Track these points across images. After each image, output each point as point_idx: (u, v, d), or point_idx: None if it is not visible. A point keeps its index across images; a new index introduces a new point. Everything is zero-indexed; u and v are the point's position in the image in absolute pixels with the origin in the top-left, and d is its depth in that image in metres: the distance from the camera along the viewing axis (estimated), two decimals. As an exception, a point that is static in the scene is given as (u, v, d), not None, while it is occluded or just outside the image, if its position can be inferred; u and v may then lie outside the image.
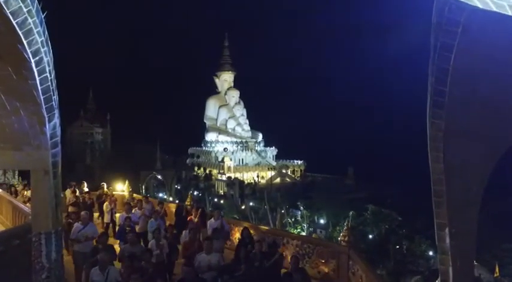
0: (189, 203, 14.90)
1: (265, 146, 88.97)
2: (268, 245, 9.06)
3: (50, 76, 6.12)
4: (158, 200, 16.04)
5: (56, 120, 6.73)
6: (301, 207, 41.41)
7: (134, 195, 16.62)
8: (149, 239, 10.08)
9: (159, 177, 58.50)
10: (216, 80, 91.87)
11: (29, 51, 5.41)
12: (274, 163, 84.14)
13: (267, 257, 8.28)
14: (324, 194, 45.47)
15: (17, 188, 18.29)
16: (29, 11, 5.03)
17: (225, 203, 50.52)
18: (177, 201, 28.03)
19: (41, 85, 6.00)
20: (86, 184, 16.82)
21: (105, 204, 14.03)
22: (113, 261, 7.75)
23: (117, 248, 9.48)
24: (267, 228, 14.28)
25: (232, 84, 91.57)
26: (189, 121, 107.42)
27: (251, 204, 47.48)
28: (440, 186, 5.13)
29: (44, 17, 5.49)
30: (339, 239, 11.00)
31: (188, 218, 11.91)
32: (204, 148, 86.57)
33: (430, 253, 29.53)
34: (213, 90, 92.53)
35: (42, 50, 5.63)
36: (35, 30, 5.29)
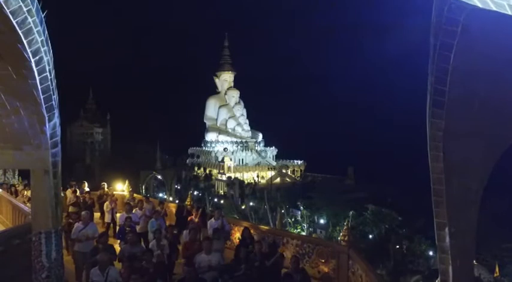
0: (189, 203, 14.90)
1: (265, 146, 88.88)
2: (268, 245, 9.06)
3: (50, 75, 6.12)
4: (159, 200, 16.04)
5: (56, 119, 6.73)
6: (301, 207, 41.36)
7: (135, 195, 16.61)
8: (150, 239, 10.09)
9: (159, 177, 58.47)
10: (216, 80, 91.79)
11: (29, 50, 5.41)
12: (274, 163, 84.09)
13: (267, 257, 8.28)
14: (324, 194, 45.42)
15: (17, 188, 18.32)
16: (29, 11, 5.03)
17: (225, 203, 50.46)
18: (177, 201, 28.02)
19: (40, 84, 6.00)
20: (86, 184, 16.82)
21: (105, 204, 14.04)
22: (113, 261, 7.75)
23: (117, 248, 9.48)
24: (267, 228, 14.30)
25: (232, 84, 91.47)
26: (189, 121, 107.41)
27: (251, 204, 47.42)
28: (440, 185, 5.13)
29: (44, 17, 5.49)
30: (339, 238, 11.00)
31: (189, 218, 11.92)
32: (204, 148, 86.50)
33: (430, 253, 29.51)
34: (213, 90, 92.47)
35: (42, 49, 5.63)
36: (34, 30, 5.29)
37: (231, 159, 77.02)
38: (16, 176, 22.74)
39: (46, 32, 5.68)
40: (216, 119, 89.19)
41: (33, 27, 5.24)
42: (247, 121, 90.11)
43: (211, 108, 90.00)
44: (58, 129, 6.90)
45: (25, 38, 5.23)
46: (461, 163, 4.98)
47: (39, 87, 5.99)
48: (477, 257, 27.53)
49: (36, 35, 5.36)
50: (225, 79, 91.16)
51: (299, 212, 42.02)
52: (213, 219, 11.09)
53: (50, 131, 6.69)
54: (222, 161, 75.99)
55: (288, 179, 71.89)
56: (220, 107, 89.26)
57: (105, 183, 16.97)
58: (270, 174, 75.69)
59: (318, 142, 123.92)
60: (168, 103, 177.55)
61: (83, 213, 9.86)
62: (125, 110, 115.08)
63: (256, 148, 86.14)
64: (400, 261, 29.77)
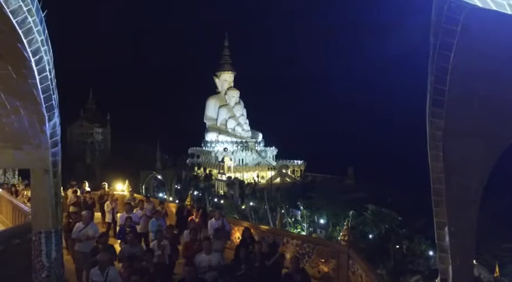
0: (189, 203, 14.90)
1: (265, 146, 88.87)
2: (269, 245, 9.05)
3: (50, 75, 6.12)
4: (159, 200, 16.03)
5: (56, 119, 6.73)
6: (301, 207, 41.36)
7: (135, 195, 16.60)
8: (150, 239, 10.09)
9: (159, 177, 58.48)
10: (216, 80, 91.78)
11: (28, 50, 5.41)
12: (274, 163, 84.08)
13: (267, 257, 8.28)
14: (324, 194, 45.41)
15: (18, 188, 18.32)
16: (28, 10, 5.04)
17: (225, 203, 50.45)
18: (177, 201, 28.02)
19: (40, 84, 6.00)
20: (87, 184, 16.82)
21: (106, 204, 14.03)
22: (113, 261, 7.75)
23: (117, 248, 9.48)
24: (267, 227, 14.29)
25: (232, 84, 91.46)
26: (189, 121, 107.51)
27: (251, 204, 47.41)
28: (439, 185, 5.13)
29: (44, 16, 5.49)
30: (339, 238, 10.99)
31: (189, 218, 11.91)
32: (204, 148, 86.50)
33: (430, 253, 29.51)
34: (213, 90, 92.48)
35: (42, 49, 5.63)
36: (34, 29, 5.29)
37: (231, 159, 77.02)
38: (16, 176, 22.74)
39: (46, 31, 5.68)
40: (216, 119, 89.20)
41: (33, 26, 5.24)
42: (247, 121, 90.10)
43: (211, 108, 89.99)
44: (58, 129, 6.90)
45: (25, 38, 5.23)
46: (461, 162, 4.98)
47: (39, 86, 5.99)
48: (477, 257, 27.53)
49: (36, 34, 5.36)
50: (225, 79, 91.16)
51: (299, 212, 42.01)
52: (213, 219, 11.09)
53: (50, 130, 6.69)
54: (222, 161, 75.98)
55: (288, 179, 71.87)
56: (220, 107, 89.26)
57: (106, 183, 16.97)
58: (270, 174, 75.68)
59: (318, 142, 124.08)
60: (168, 103, 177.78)
61: (83, 213, 9.87)
62: (124, 110, 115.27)
63: (256, 148, 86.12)
64: (400, 261, 29.77)
